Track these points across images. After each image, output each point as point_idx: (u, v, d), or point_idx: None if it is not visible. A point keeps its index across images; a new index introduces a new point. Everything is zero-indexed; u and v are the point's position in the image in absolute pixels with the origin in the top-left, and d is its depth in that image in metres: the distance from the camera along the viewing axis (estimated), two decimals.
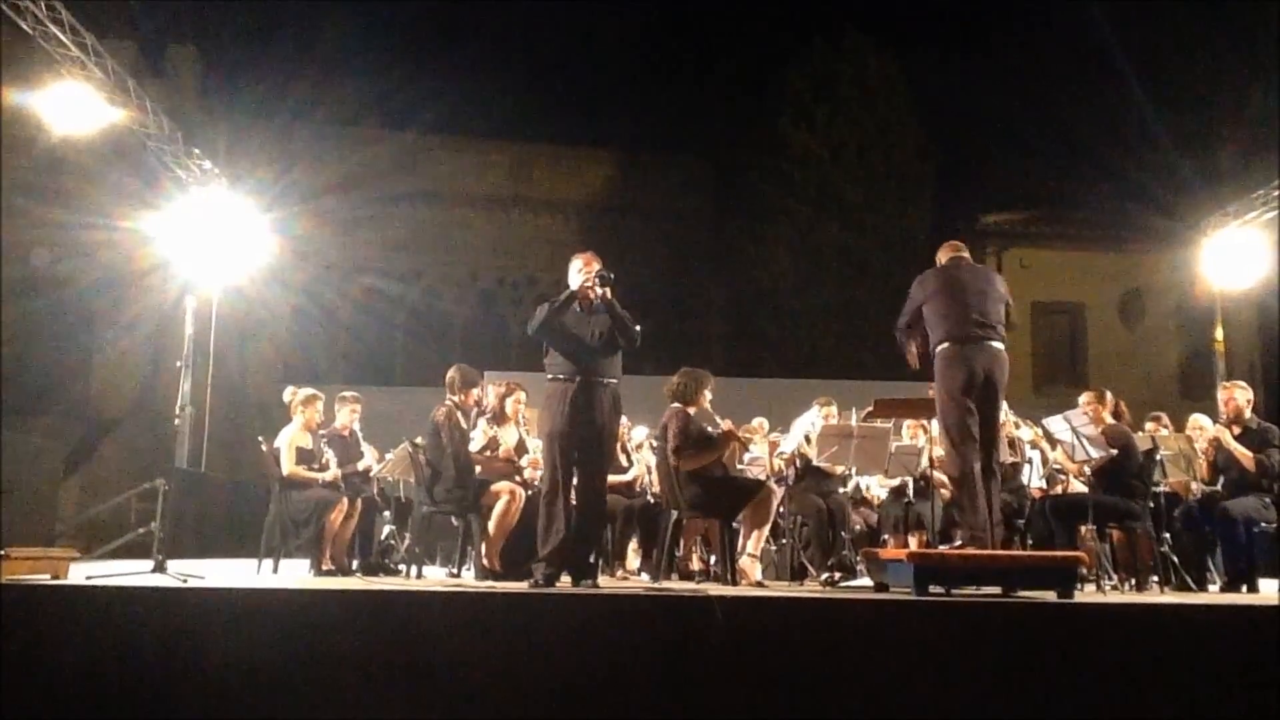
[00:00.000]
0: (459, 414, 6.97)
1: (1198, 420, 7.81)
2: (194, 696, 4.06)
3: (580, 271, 5.83)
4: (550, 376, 5.81)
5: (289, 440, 7.33)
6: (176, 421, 7.11)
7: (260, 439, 7.53)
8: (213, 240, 12.00)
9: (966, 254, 6.17)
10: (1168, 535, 7.06)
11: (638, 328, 5.81)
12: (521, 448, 7.36)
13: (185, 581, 4.99)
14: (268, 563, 7.37)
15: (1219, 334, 14.34)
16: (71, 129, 10.45)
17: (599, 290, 5.76)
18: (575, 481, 5.78)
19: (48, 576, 5.16)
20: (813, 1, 23.84)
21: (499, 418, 7.40)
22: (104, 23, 13.13)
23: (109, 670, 4.09)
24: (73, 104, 10.07)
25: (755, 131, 21.37)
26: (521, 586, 5.40)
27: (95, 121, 10.46)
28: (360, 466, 7.82)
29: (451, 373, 7.13)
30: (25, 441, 9.76)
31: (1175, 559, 7.02)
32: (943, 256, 6.16)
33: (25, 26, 9.14)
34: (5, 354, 16.43)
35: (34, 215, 17.00)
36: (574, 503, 5.77)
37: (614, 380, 5.81)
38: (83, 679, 4.09)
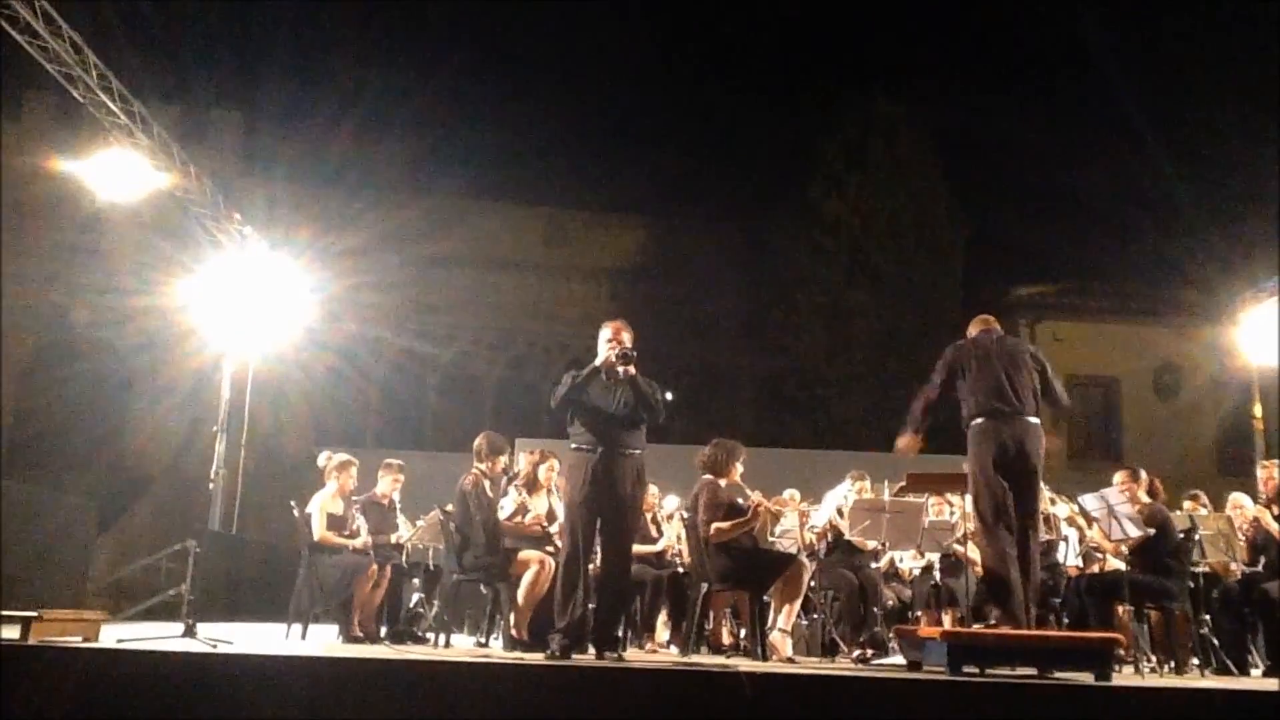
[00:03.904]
0: (486, 482, 6.98)
1: (1237, 499, 7.69)
2: None
3: (609, 342, 5.84)
4: (574, 446, 5.80)
5: (321, 505, 7.35)
6: (211, 484, 7.15)
7: (292, 503, 7.56)
8: (250, 302, 12.15)
9: (997, 326, 6.13)
10: (1207, 617, 6.93)
11: (666, 397, 5.80)
12: (552, 515, 7.33)
13: (215, 647, 4.99)
14: (296, 627, 7.36)
15: (1257, 410, 14.17)
16: (116, 195, 10.66)
17: (621, 370, 5.74)
18: (598, 552, 5.75)
19: (79, 638, 5.18)
20: (845, 70, 24.13)
21: (532, 485, 7.39)
22: (149, 88, 13.47)
23: None
24: (119, 170, 10.29)
25: (787, 199, 21.51)
26: None
27: (140, 187, 10.67)
28: (393, 539, 7.81)
29: (479, 440, 7.16)
30: (61, 501, 9.83)
31: (1215, 641, 6.88)
32: (973, 330, 6.13)
33: (77, 95, 9.39)
34: (43, 415, 16.69)
35: (75, 278, 17.34)
36: (598, 573, 5.73)
37: (638, 451, 5.79)
38: None
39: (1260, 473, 7.36)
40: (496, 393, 21.92)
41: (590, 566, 5.82)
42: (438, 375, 21.68)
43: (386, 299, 20.18)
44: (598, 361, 5.82)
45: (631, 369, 5.74)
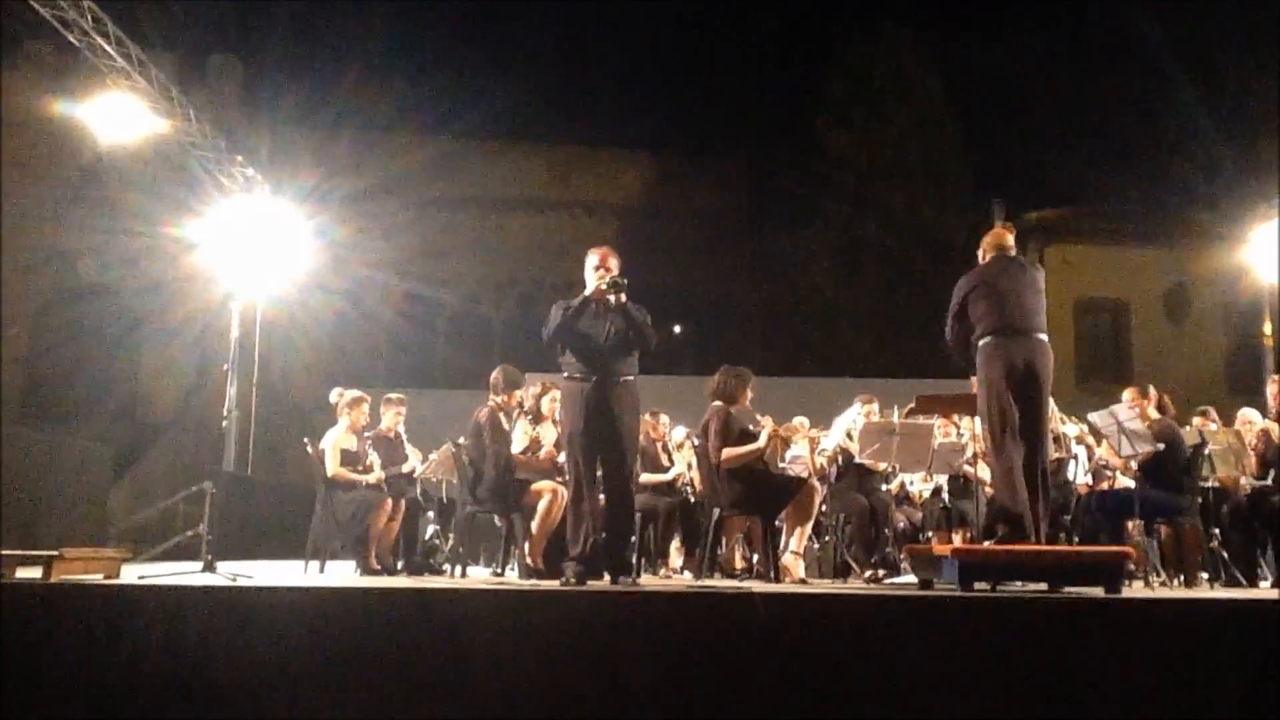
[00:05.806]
0: (501, 415, 7.01)
1: (1247, 414, 7.69)
2: (244, 693, 4.11)
3: (596, 270, 5.77)
4: (566, 376, 5.77)
5: (334, 442, 7.40)
6: (224, 424, 7.16)
7: (306, 441, 7.60)
8: (256, 245, 12.14)
9: (1011, 244, 6.05)
10: (1217, 531, 6.97)
11: (649, 321, 5.73)
12: (560, 446, 7.36)
13: (235, 580, 5.05)
14: (314, 564, 7.44)
15: (1268, 328, 14.14)
16: (117, 138, 10.62)
17: (612, 298, 5.68)
18: (601, 480, 5.77)
19: (101, 576, 5.24)
20: (848, 1, 23.77)
21: (537, 417, 7.42)
22: (147, 33, 13.33)
23: (161, 667, 4.15)
24: (118, 114, 10.24)
25: (792, 133, 21.39)
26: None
27: (140, 131, 10.63)
28: (404, 469, 7.87)
29: (495, 374, 7.18)
30: (75, 445, 9.91)
31: (1225, 555, 6.93)
32: (987, 248, 6.04)
33: (72, 39, 9.31)
34: (54, 360, 16.77)
35: (81, 223, 17.30)
36: (603, 501, 5.76)
37: (630, 378, 5.75)
38: (135, 675, 4.14)
39: (1270, 388, 7.35)
40: (505, 333, 21.93)
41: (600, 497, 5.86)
42: (444, 317, 21.68)
43: (391, 242, 20.12)
44: (588, 291, 5.75)
45: (623, 296, 5.67)
